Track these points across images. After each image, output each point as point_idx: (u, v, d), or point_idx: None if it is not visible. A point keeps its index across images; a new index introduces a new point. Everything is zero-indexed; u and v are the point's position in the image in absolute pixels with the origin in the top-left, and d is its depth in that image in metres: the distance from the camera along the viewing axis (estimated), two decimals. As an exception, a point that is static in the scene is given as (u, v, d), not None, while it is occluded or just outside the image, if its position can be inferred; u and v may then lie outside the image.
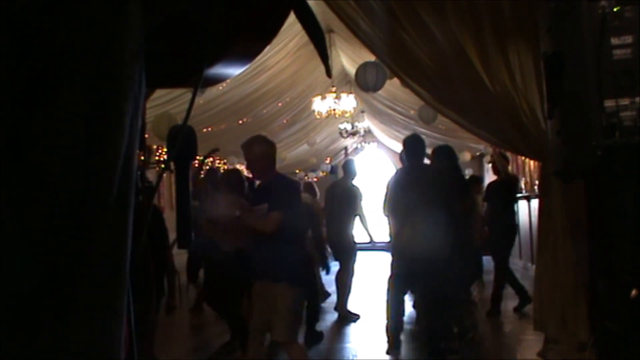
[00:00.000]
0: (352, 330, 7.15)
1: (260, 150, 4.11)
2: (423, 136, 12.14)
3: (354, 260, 7.66)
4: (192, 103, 0.99)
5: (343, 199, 7.44)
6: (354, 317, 7.43)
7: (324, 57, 1.13)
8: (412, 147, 5.48)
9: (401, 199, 5.18)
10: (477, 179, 9.07)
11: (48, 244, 0.68)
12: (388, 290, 5.47)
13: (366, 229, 8.05)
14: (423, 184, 5.12)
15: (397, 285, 5.41)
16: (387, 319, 5.50)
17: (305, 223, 4.45)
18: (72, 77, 0.69)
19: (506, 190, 7.36)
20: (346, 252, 7.53)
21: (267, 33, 1.06)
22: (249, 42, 1.05)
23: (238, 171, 6.31)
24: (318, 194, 8.39)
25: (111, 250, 0.76)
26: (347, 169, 7.77)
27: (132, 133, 0.78)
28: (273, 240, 3.97)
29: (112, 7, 0.73)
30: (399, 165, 5.96)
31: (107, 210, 0.74)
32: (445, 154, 5.72)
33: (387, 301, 5.47)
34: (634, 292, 1.80)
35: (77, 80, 0.69)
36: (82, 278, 0.72)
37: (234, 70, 1.12)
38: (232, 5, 0.92)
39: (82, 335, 0.72)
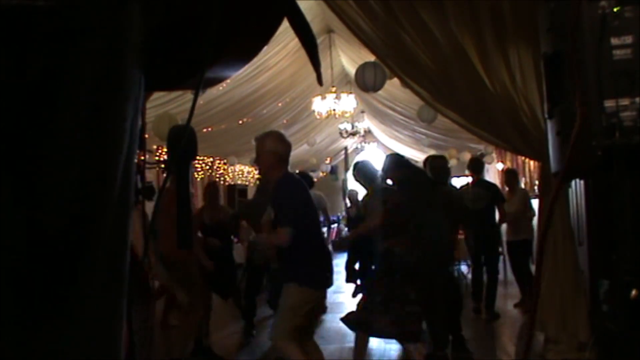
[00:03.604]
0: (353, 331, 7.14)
1: (270, 147, 3.92)
2: (423, 136, 12.00)
3: None
4: (194, 105, 1.00)
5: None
6: None
7: (316, 64, 1.14)
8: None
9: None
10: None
11: (51, 243, 0.69)
12: None
13: None
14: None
15: None
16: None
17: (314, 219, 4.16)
18: (73, 80, 0.69)
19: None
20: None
21: (262, 36, 1.07)
22: (245, 45, 1.05)
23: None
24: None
25: (112, 250, 0.76)
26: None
27: (132, 134, 0.79)
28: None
29: (110, 11, 0.73)
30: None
31: (109, 210, 0.74)
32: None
33: None
34: (634, 292, 1.80)
35: (78, 83, 0.70)
36: (84, 278, 0.72)
37: (230, 72, 1.12)
38: (228, 10, 0.93)
39: (83, 336, 0.72)
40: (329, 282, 4.16)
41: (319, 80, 1.18)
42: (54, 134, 0.68)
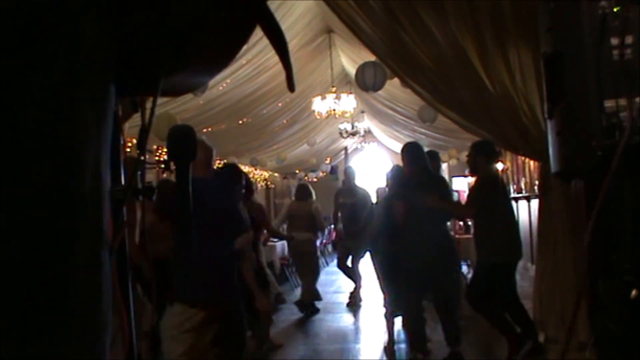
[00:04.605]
0: (353, 331, 7.16)
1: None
2: (423, 136, 12.03)
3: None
4: (153, 111, 1.01)
5: (360, 202, 8.17)
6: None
7: (288, 68, 1.14)
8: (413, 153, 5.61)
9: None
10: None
11: (20, 253, 0.69)
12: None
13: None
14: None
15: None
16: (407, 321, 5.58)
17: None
18: (25, 82, 0.70)
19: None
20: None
21: (235, 43, 1.07)
22: (216, 51, 1.05)
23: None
24: (314, 195, 8.45)
25: (86, 257, 0.76)
26: (351, 174, 8.48)
27: (101, 136, 0.79)
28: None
29: (64, 15, 0.74)
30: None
31: (77, 217, 0.75)
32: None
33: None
34: (634, 292, 1.80)
35: (30, 85, 0.71)
36: (56, 284, 0.72)
37: (206, 78, 1.12)
38: (192, 17, 0.93)
39: (59, 343, 0.73)
40: (210, 296, 3.61)
41: (290, 85, 1.18)
42: (7, 135, 0.69)
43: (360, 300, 8.45)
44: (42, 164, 0.71)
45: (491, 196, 5.03)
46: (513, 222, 5.23)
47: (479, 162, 5.33)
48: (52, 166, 0.72)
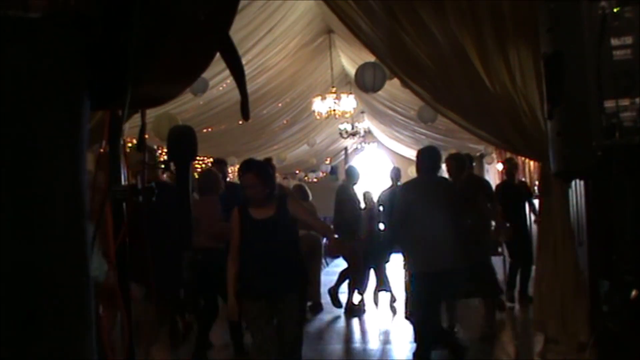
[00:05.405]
0: (355, 331, 7.15)
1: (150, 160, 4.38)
2: (423, 136, 12.00)
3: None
4: (123, 122, 1.02)
5: (357, 202, 8.13)
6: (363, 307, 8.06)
7: (244, 96, 1.16)
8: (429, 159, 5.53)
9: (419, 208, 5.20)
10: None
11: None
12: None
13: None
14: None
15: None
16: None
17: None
18: None
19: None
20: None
21: (198, 63, 1.08)
22: (179, 68, 1.06)
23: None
24: (310, 196, 8.36)
25: (67, 261, 0.77)
26: (352, 174, 8.30)
27: (78, 139, 0.80)
28: None
29: (27, 27, 0.76)
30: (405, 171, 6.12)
31: (55, 217, 0.76)
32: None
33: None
34: (634, 292, 1.80)
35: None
36: (40, 288, 0.73)
37: (173, 91, 1.13)
38: (154, 36, 0.94)
39: (54, 343, 0.73)
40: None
41: (244, 113, 1.20)
42: None
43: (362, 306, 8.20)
44: (11, 167, 0.72)
45: (404, 204, 4.92)
46: (426, 232, 4.76)
47: (419, 167, 5.27)
48: (22, 167, 0.73)
